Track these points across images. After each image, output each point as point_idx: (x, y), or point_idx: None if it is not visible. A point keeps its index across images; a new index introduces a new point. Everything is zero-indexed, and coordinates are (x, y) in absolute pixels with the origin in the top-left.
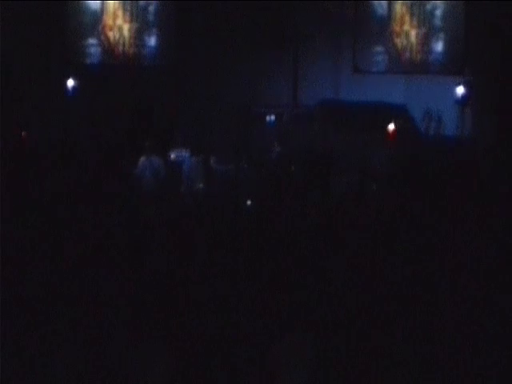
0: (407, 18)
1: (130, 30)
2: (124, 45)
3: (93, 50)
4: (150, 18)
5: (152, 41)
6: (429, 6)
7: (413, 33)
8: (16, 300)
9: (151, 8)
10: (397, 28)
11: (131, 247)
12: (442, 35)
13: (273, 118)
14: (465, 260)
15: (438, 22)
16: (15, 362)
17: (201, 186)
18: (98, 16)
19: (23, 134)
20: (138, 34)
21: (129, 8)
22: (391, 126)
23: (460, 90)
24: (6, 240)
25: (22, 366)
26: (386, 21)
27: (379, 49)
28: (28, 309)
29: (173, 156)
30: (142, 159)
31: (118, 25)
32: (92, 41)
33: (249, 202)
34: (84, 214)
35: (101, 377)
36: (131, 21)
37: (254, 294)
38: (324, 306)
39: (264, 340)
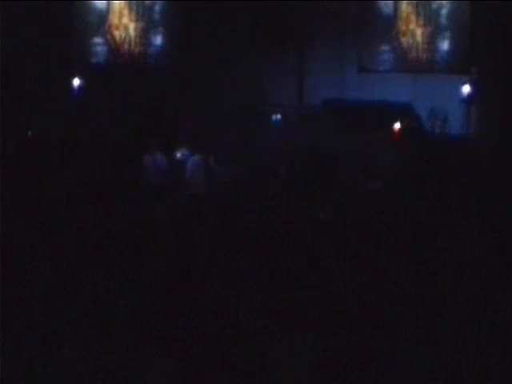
0: (413, 17)
1: (135, 29)
2: (130, 44)
3: (99, 49)
4: (156, 17)
5: (157, 40)
6: (434, 5)
7: (418, 32)
8: (16, 300)
9: (157, 7)
10: (402, 27)
11: (133, 246)
12: (447, 34)
13: (278, 117)
14: (468, 259)
15: (443, 20)
16: (15, 362)
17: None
18: (103, 15)
19: (29, 133)
20: (144, 33)
21: (134, 7)
22: (397, 125)
23: (466, 89)
24: (7, 240)
25: (22, 366)
26: (392, 20)
27: (385, 48)
28: (28, 309)
29: (178, 155)
30: (146, 157)
31: (124, 24)
32: (98, 40)
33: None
34: (87, 212)
35: (101, 377)
36: (137, 20)
37: (255, 293)
38: (324, 306)
39: (264, 340)
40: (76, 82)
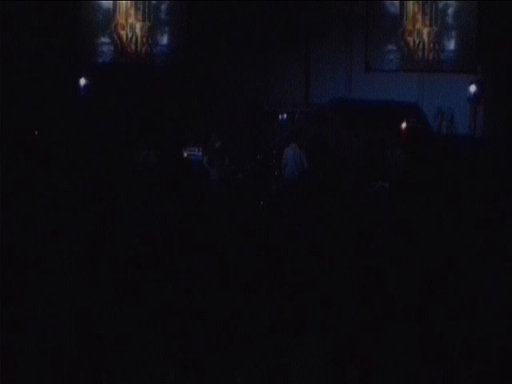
0: (419, 16)
1: (142, 28)
2: (136, 43)
3: (105, 48)
4: (163, 16)
5: (164, 39)
6: (441, 5)
7: (425, 31)
8: (17, 298)
9: (163, 7)
10: (409, 26)
11: (135, 242)
12: (454, 34)
13: (285, 116)
14: (474, 258)
15: (450, 20)
16: (15, 362)
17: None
18: (110, 15)
19: (36, 132)
20: (151, 33)
21: (141, 7)
22: (403, 125)
23: (472, 89)
24: (9, 240)
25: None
26: (398, 19)
27: (391, 47)
28: (29, 306)
29: (185, 154)
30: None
31: (130, 23)
32: (104, 39)
33: (261, 202)
34: (89, 209)
35: (105, 374)
36: (143, 19)
37: (266, 294)
38: (335, 307)
39: (276, 340)
40: (82, 81)
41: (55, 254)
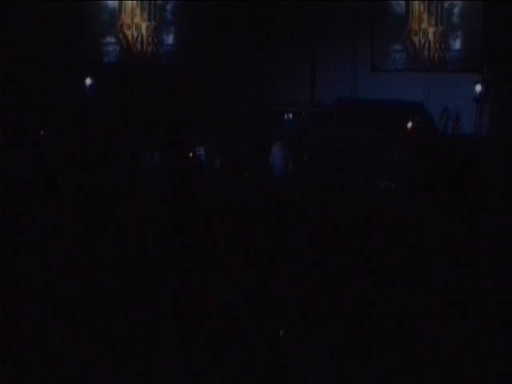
0: (425, 16)
1: (147, 28)
2: (142, 43)
3: (111, 48)
4: (168, 16)
5: (170, 39)
6: (447, 4)
7: (431, 31)
8: (18, 297)
9: (169, 7)
10: (415, 26)
11: (140, 240)
12: (460, 33)
13: (290, 116)
14: (477, 259)
15: (456, 20)
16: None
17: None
18: (115, 14)
19: (41, 132)
20: (156, 33)
21: (146, 6)
22: (409, 125)
23: (478, 88)
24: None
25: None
26: (404, 19)
27: (397, 47)
28: (33, 306)
29: (190, 155)
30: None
31: (136, 23)
32: (110, 39)
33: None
34: (92, 209)
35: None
36: (149, 19)
37: (271, 292)
38: (339, 305)
39: (280, 339)
40: (88, 81)
41: (56, 255)
